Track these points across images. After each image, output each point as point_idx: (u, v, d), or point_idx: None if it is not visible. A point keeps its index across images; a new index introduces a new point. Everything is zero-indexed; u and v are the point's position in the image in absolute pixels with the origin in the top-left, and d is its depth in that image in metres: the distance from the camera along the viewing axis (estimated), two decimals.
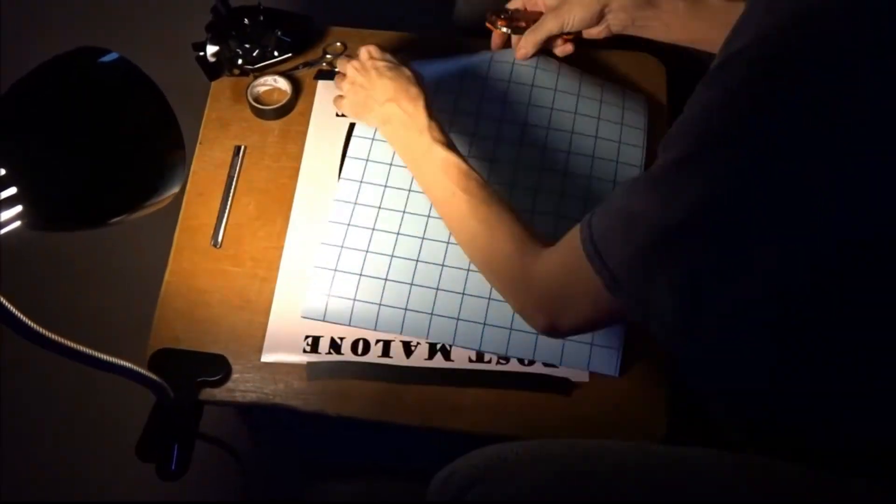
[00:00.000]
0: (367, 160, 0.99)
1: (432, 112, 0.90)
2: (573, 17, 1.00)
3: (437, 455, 0.84)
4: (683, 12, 0.97)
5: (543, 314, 0.76)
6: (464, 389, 0.89)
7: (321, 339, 0.91)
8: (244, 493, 1.20)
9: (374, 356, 0.91)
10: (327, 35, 1.12)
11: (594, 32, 1.01)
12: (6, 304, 0.60)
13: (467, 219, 0.83)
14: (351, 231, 0.95)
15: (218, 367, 0.89)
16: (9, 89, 0.61)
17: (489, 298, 0.90)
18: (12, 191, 0.57)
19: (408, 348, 0.91)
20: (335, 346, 0.91)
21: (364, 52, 0.97)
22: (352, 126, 1.04)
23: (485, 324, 0.90)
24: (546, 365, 0.89)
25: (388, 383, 0.89)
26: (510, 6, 1.05)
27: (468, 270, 0.92)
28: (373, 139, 1.00)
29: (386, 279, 0.92)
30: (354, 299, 0.91)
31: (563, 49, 1.05)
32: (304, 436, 1.35)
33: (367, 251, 0.93)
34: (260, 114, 1.05)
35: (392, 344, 0.91)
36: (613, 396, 0.88)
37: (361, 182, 0.98)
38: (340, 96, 0.99)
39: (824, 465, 0.74)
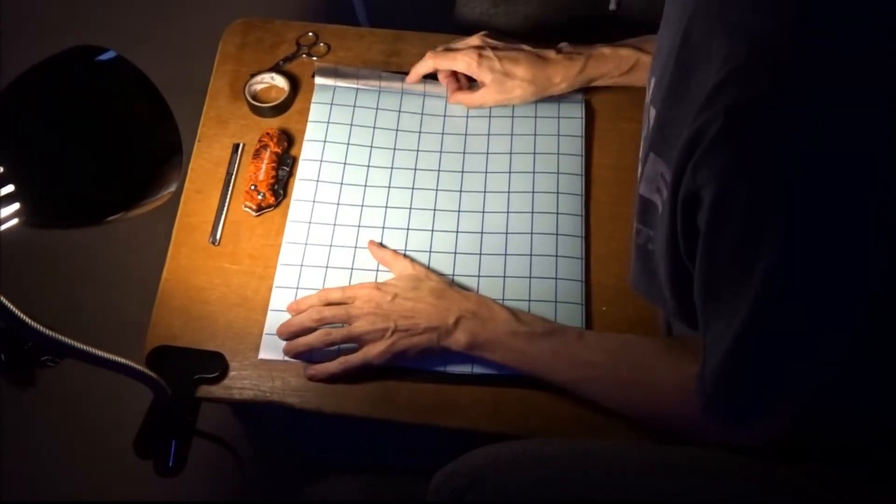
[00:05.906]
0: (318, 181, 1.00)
1: (517, 314, 0.87)
2: (516, 98, 1.01)
3: (437, 454, 0.84)
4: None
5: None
6: (460, 387, 0.89)
7: None
8: (242, 492, 1.20)
9: None
10: (289, 28, 1.11)
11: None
12: (4, 301, 0.60)
13: (608, 394, 0.83)
14: (308, 249, 0.96)
15: (215, 365, 0.89)
16: (6, 87, 0.61)
17: (478, 276, 0.94)
18: (10, 188, 0.58)
19: None
20: None
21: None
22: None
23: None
24: None
25: (385, 381, 0.89)
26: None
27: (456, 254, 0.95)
28: (321, 160, 1.02)
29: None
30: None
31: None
32: (303, 434, 1.35)
33: (326, 266, 0.95)
34: (258, 111, 1.05)
35: None
36: None
37: (314, 201, 0.99)
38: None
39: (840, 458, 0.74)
